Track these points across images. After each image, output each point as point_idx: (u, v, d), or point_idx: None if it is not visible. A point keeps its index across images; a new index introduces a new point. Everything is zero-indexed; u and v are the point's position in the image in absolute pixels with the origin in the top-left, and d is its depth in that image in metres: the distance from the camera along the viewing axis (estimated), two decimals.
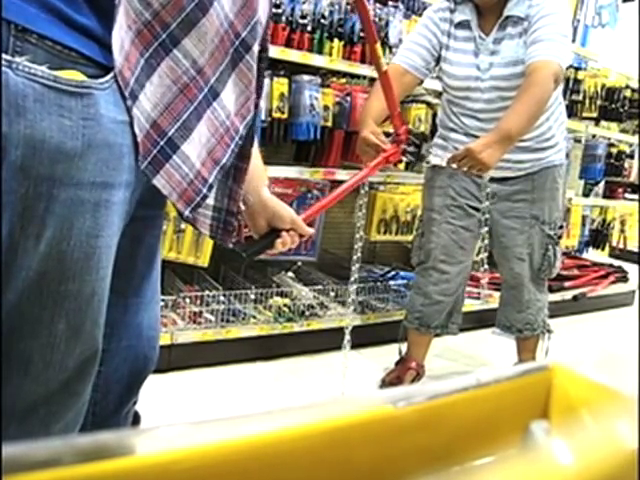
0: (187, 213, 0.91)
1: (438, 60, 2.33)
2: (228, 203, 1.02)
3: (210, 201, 1.00)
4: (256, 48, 0.93)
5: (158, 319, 1.11)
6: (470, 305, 3.17)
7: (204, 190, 0.92)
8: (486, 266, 2.41)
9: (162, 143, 0.84)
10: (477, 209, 2.41)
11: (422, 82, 2.42)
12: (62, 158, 0.73)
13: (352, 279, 1.96)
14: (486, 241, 2.39)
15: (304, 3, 2.61)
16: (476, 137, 2.28)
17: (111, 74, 0.76)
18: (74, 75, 0.73)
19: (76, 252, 0.78)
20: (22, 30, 0.70)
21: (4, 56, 0.69)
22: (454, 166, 2.06)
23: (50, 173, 0.73)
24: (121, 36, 0.76)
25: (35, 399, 0.83)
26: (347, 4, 2.72)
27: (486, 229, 2.43)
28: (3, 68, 0.69)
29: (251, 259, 3.06)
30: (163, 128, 0.83)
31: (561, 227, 2.48)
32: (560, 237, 2.47)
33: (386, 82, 1.57)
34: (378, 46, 1.49)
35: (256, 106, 0.99)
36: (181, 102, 0.84)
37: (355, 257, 1.89)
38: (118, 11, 0.76)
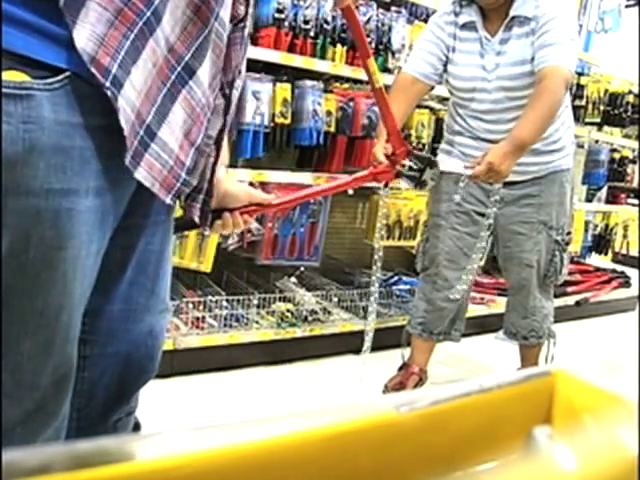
0: (169, 200, 0.85)
1: (446, 64, 2.32)
2: (209, 186, 0.98)
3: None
4: (225, 15, 0.85)
5: (162, 328, 1.05)
6: (472, 310, 3.16)
7: (183, 174, 0.86)
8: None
9: (141, 132, 0.77)
10: (483, 215, 2.38)
11: (433, 88, 2.41)
12: (5, 165, 0.68)
13: (372, 288, 1.94)
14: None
15: (307, 8, 2.61)
16: (482, 139, 2.29)
17: (65, 74, 0.70)
18: (14, 76, 0.67)
19: (37, 265, 0.72)
20: None
21: None
22: (472, 175, 2.09)
23: None
24: (89, 21, 0.69)
25: (12, 419, 0.78)
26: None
27: (488, 233, 2.36)
28: None
29: (254, 263, 3.02)
30: (142, 116, 0.77)
31: (569, 233, 2.46)
32: (568, 243, 2.45)
33: (381, 99, 1.38)
34: (372, 60, 1.35)
35: (231, 82, 0.94)
36: (154, 84, 0.77)
37: (375, 267, 1.87)
38: None
